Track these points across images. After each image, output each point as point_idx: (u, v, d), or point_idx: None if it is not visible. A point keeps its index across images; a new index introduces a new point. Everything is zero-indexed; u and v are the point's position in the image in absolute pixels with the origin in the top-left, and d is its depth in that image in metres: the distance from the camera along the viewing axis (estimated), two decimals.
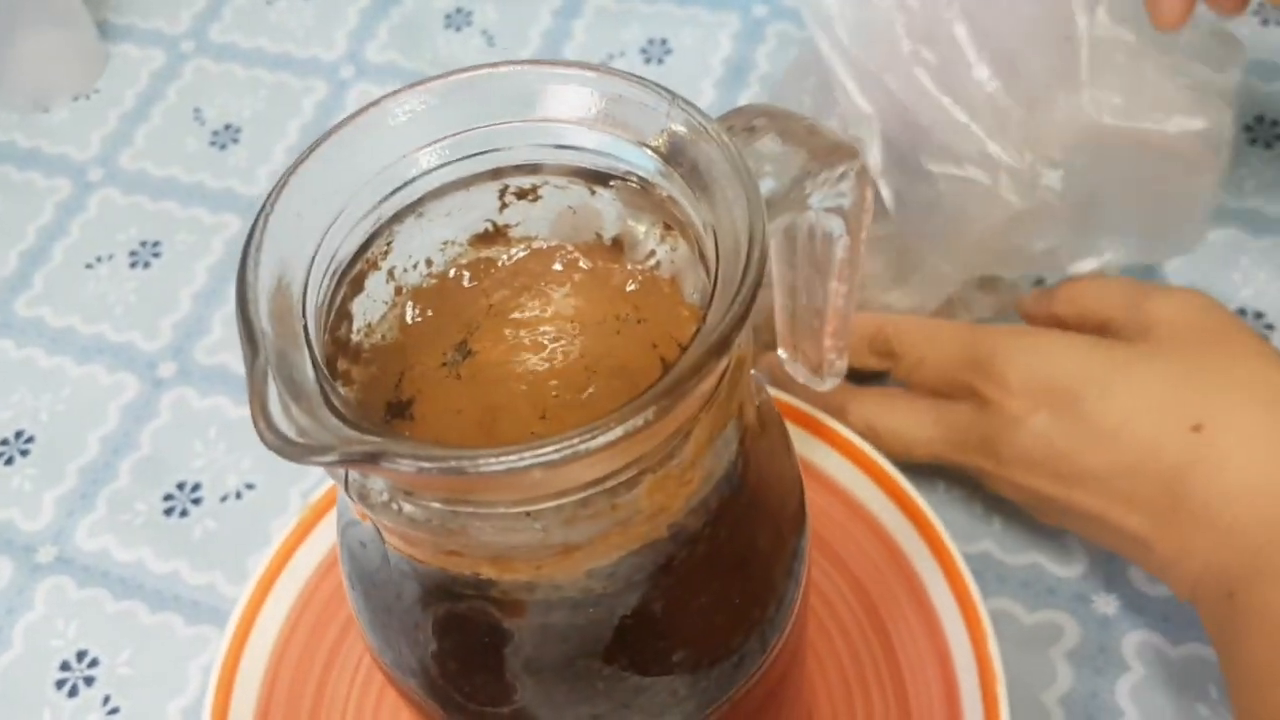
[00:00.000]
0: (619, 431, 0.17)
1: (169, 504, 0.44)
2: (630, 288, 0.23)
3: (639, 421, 0.17)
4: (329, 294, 0.21)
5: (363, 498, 0.19)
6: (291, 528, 0.38)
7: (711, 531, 0.21)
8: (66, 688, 0.41)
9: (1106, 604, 0.39)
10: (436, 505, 0.18)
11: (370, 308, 0.22)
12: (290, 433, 0.17)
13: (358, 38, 0.57)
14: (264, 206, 0.19)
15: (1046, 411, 0.35)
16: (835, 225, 0.25)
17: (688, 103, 0.20)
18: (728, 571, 0.22)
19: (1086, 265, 0.39)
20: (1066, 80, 0.37)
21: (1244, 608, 0.32)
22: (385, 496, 0.19)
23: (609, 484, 0.18)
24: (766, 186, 0.22)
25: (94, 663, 0.41)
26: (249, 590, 0.37)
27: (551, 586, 0.20)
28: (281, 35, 0.58)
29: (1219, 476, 0.32)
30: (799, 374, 0.31)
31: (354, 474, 0.19)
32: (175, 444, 0.46)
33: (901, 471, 0.37)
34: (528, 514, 0.18)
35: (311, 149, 0.20)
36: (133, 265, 0.51)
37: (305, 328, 0.19)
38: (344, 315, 0.21)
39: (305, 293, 0.19)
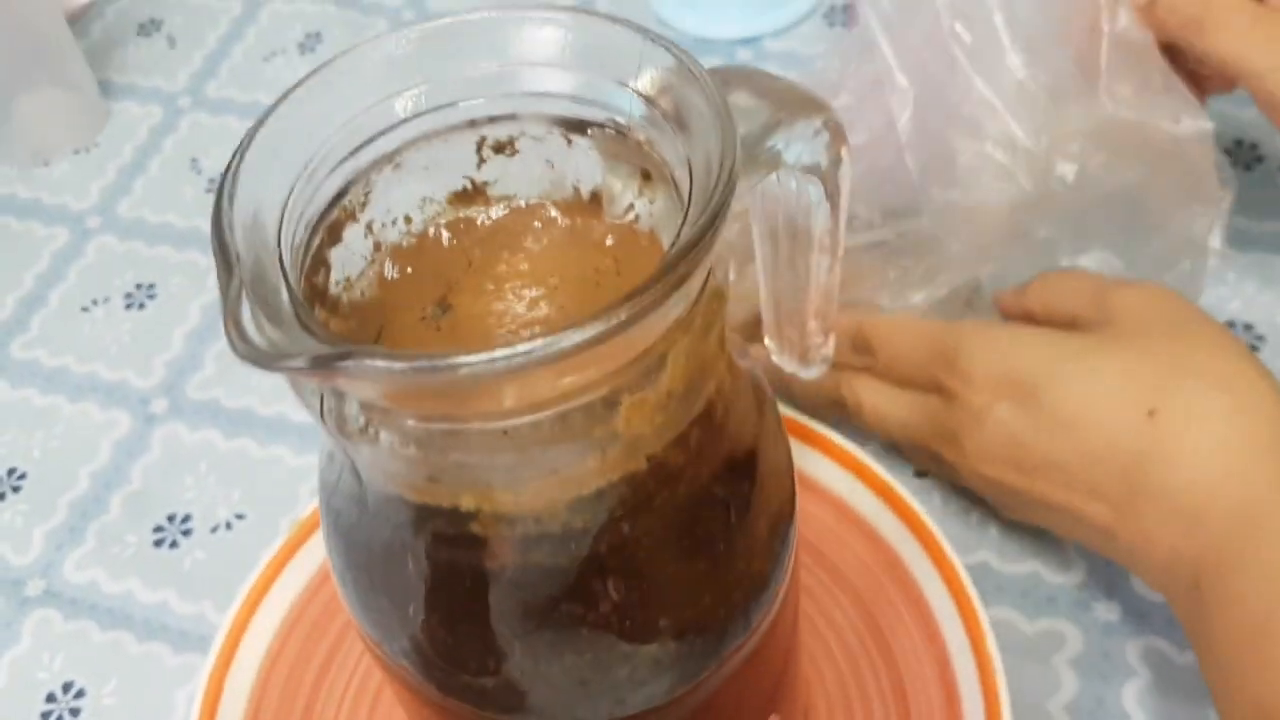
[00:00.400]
0: (595, 329, 0.17)
1: (159, 535, 0.44)
2: (609, 242, 0.23)
3: (614, 320, 0.17)
4: (306, 236, 0.21)
5: (340, 427, 0.19)
6: (277, 548, 0.38)
7: (692, 473, 0.21)
8: (52, 719, 0.40)
9: (1109, 611, 0.38)
10: (412, 424, 0.18)
11: (349, 261, 0.22)
12: (262, 345, 0.17)
13: None
14: (242, 142, 0.20)
15: (1006, 403, 0.35)
16: (814, 189, 0.25)
17: (662, 38, 0.20)
18: (709, 521, 0.22)
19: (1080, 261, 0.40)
20: (1088, 70, 0.38)
21: (1210, 599, 0.31)
22: (361, 421, 0.19)
23: (585, 399, 0.18)
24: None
25: (80, 694, 0.40)
26: (233, 611, 0.37)
27: (533, 520, 0.20)
28: (277, 89, 0.59)
29: (1175, 462, 0.32)
30: (786, 363, 0.31)
31: (330, 400, 0.19)
32: (166, 478, 0.45)
33: (899, 482, 0.37)
34: (504, 432, 0.18)
35: (289, 91, 0.20)
36: (128, 307, 0.51)
37: (280, 259, 0.19)
38: (321, 262, 0.21)
39: (281, 227, 0.20)
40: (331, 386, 0.18)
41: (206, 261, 0.53)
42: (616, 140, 0.22)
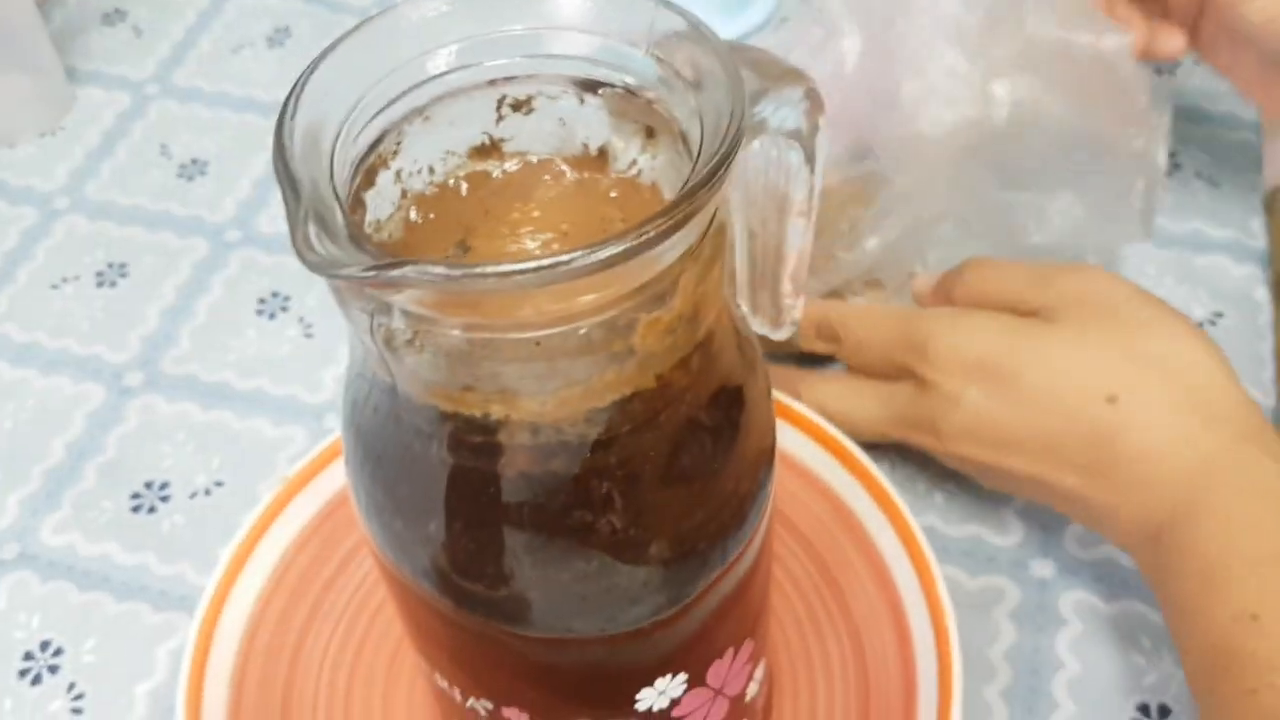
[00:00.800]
0: (625, 244, 0.19)
1: (136, 502, 0.45)
2: (614, 194, 0.26)
3: (643, 236, 0.19)
4: (349, 176, 0.23)
5: (387, 341, 0.21)
6: (268, 502, 0.39)
7: (692, 396, 0.24)
8: (30, 676, 0.40)
9: (1043, 568, 0.41)
10: (456, 334, 0.20)
11: (379, 204, 0.24)
12: (328, 256, 0.19)
13: None
14: (295, 85, 0.22)
15: (978, 387, 0.38)
16: (794, 155, 0.28)
17: (673, 4, 0.23)
18: (704, 442, 0.24)
19: (1043, 232, 0.43)
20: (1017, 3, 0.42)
21: (1168, 548, 0.34)
22: (408, 334, 0.21)
23: (608, 314, 0.21)
24: None
25: (58, 651, 0.41)
26: (225, 560, 0.38)
27: (553, 429, 0.22)
28: (245, 81, 0.61)
29: (1132, 439, 0.36)
30: (758, 325, 0.33)
31: (380, 318, 0.21)
32: (142, 447, 0.46)
33: (854, 447, 0.40)
34: (536, 343, 0.21)
35: (336, 43, 0.22)
36: (99, 285, 0.52)
37: (334, 189, 0.21)
38: (359, 202, 0.24)
39: (332, 163, 0.22)
40: (384, 298, 0.20)
41: (179, 243, 0.54)
42: (625, 99, 0.24)
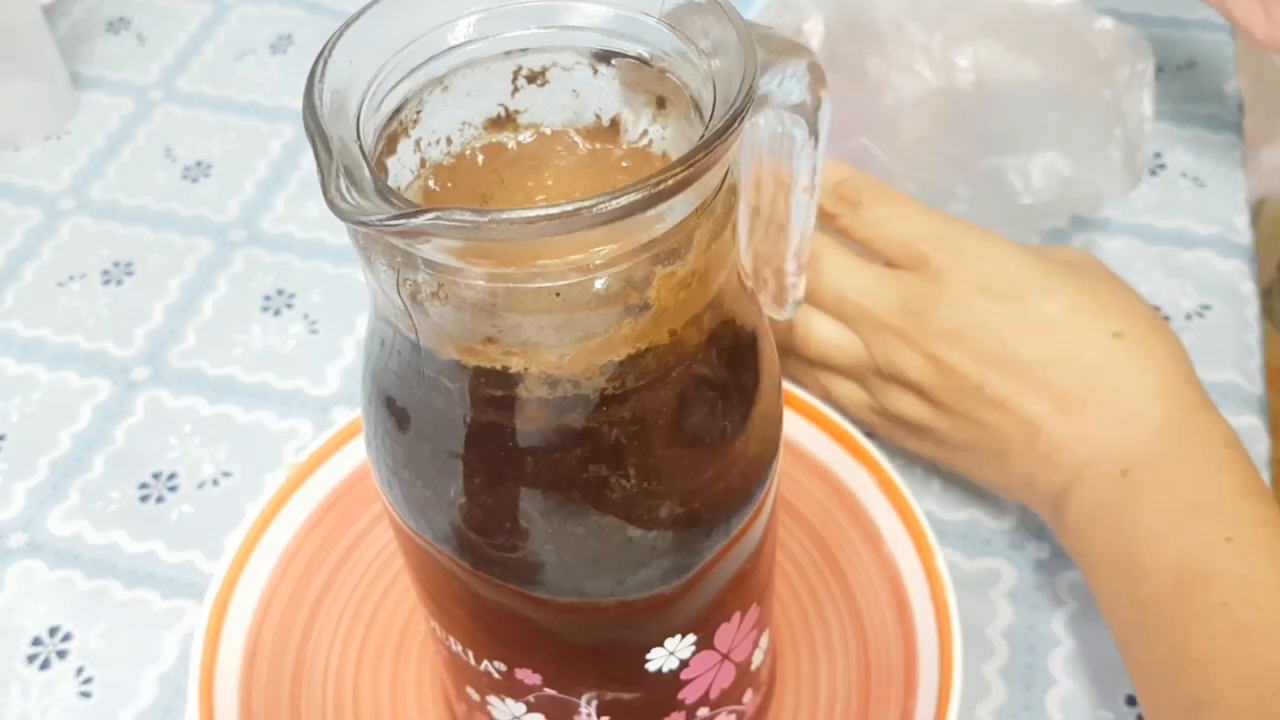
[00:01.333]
0: (643, 192, 0.20)
1: (144, 492, 0.45)
2: (625, 164, 0.26)
3: (660, 185, 0.20)
4: (373, 142, 0.24)
5: (413, 295, 0.22)
6: (278, 488, 0.40)
7: (704, 354, 0.24)
8: (38, 662, 0.41)
9: (1040, 550, 0.42)
10: (479, 284, 0.21)
11: (400, 173, 0.25)
12: (358, 206, 0.20)
13: None
14: (323, 51, 0.23)
15: (991, 297, 0.39)
16: (798, 129, 0.29)
17: None
18: (715, 400, 0.25)
19: (1031, 189, 0.44)
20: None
21: (1142, 483, 0.36)
22: (434, 287, 0.22)
23: (625, 266, 0.21)
24: None
25: (66, 637, 0.41)
26: (238, 540, 0.39)
27: (570, 382, 0.23)
28: (249, 87, 0.62)
29: (1128, 376, 0.37)
30: (761, 303, 0.34)
31: (406, 273, 0.22)
32: (150, 439, 0.47)
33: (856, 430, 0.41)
34: (556, 293, 0.21)
35: (359, 13, 0.23)
36: (105, 283, 0.53)
37: (361, 148, 0.22)
38: (382, 167, 0.24)
39: (358, 125, 0.22)
40: (411, 248, 0.21)
41: (184, 242, 0.54)
42: (638, 69, 0.25)
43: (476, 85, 0.26)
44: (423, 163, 0.26)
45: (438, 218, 0.19)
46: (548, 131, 0.27)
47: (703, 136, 0.21)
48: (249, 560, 0.39)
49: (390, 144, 0.25)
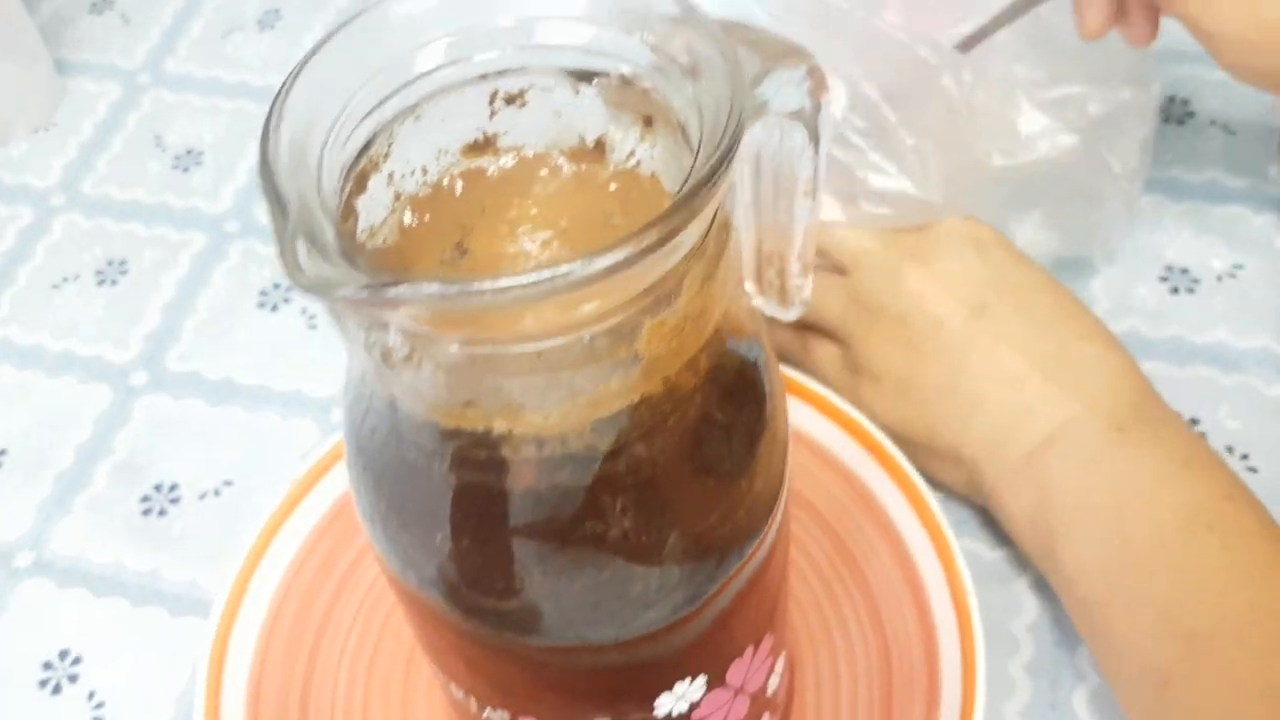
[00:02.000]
0: (625, 252, 0.18)
1: (146, 505, 0.44)
2: (613, 186, 0.25)
3: (644, 243, 0.18)
4: (339, 184, 0.22)
5: (384, 358, 0.20)
6: (278, 505, 0.39)
7: (702, 396, 0.23)
8: (49, 687, 0.40)
9: None
10: (454, 349, 0.20)
11: (373, 210, 0.24)
12: (318, 277, 0.18)
13: None
14: (279, 92, 0.21)
15: (979, 249, 0.40)
16: (798, 135, 0.27)
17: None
18: (716, 441, 0.24)
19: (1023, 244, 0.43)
20: (960, 138, 0.41)
21: (1132, 439, 0.36)
22: (405, 351, 0.20)
23: (612, 322, 0.20)
24: None
25: (77, 660, 0.41)
26: (241, 559, 0.38)
27: (558, 440, 0.21)
28: (238, 66, 0.60)
29: (1113, 351, 0.38)
30: (766, 305, 0.33)
31: (375, 335, 0.20)
32: (151, 448, 0.46)
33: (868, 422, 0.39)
34: (538, 354, 0.20)
35: (320, 45, 0.21)
36: (100, 284, 0.52)
37: (322, 202, 0.20)
38: (351, 209, 0.23)
39: (320, 172, 0.21)
40: (380, 316, 0.20)
41: (178, 236, 0.53)
42: (621, 88, 0.23)
43: (451, 111, 0.24)
44: (397, 196, 0.24)
45: (407, 290, 0.18)
46: (530, 154, 0.25)
47: (687, 181, 0.19)
48: (251, 580, 0.38)
49: (360, 182, 0.23)
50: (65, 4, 0.64)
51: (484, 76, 0.24)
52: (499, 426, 0.21)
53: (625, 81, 0.23)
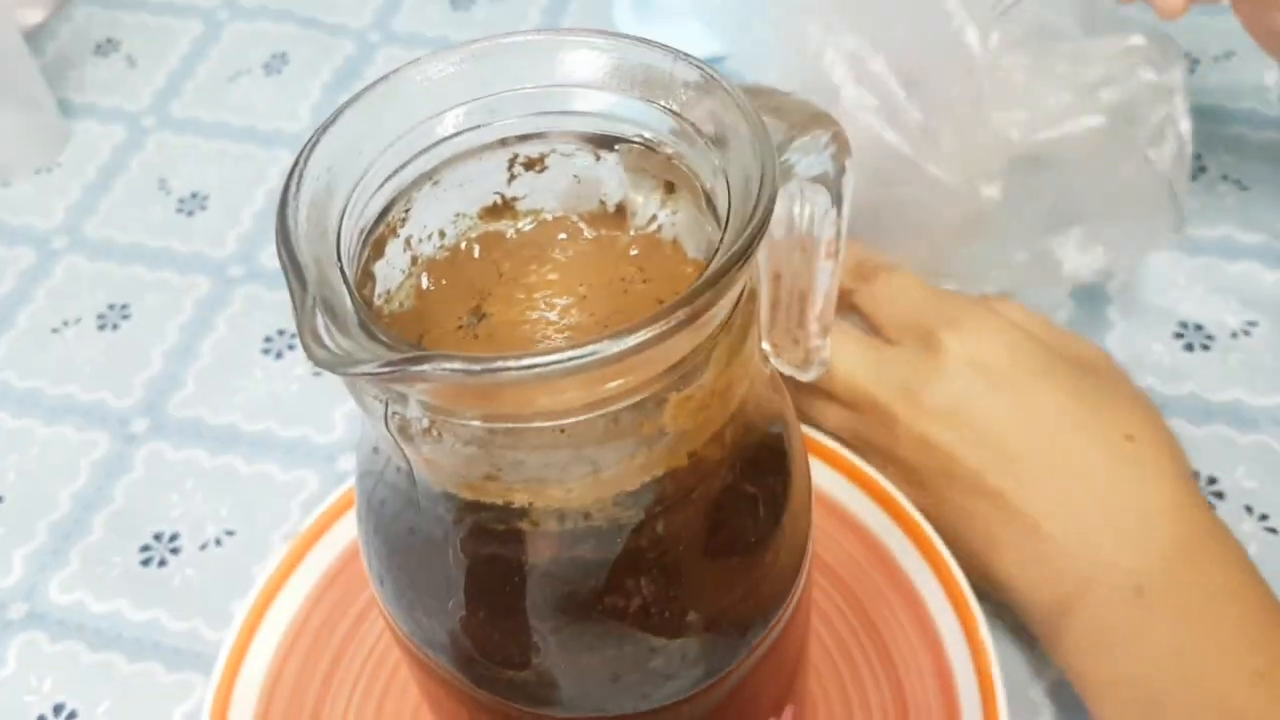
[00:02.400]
0: (654, 331, 0.18)
1: (146, 554, 0.44)
2: (633, 252, 0.24)
3: (672, 321, 0.18)
4: (357, 251, 0.22)
5: (402, 430, 0.20)
6: (283, 557, 0.38)
7: (727, 469, 0.22)
8: None
9: None
10: (475, 424, 0.19)
11: (389, 274, 0.23)
12: (337, 352, 0.18)
13: (322, 110, 0.59)
14: (297, 161, 0.20)
15: (991, 378, 0.37)
16: (820, 199, 0.26)
17: (691, 57, 0.21)
18: (741, 514, 0.23)
19: (1071, 266, 0.42)
20: (977, 107, 0.40)
21: (1152, 605, 0.33)
22: (425, 423, 0.20)
23: (637, 398, 0.19)
24: None
25: (72, 715, 0.40)
26: (243, 614, 0.37)
27: (580, 514, 0.21)
28: (244, 110, 0.59)
29: (1143, 487, 0.35)
30: (784, 366, 0.32)
31: (395, 407, 0.20)
32: (151, 497, 0.45)
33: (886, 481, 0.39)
34: (561, 430, 0.19)
35: (339, 112, 0.21)
36: (101, 328, 0.51)
37: (342, 270, 0.20)
38: (368, 275, 0.22)
39: (339, 241, 0.20)
40: (400, 390, 0.19)
41: (181, 281, 0.53)
42: (643, 154, 0.23)
43: (470, 175, 0.24)
44: (414, 260, 0.24)
45: (430, 367, 0.17)
46: (549, 218, 0.25)
47: (716, 256, 0.19)
48: (253, 637, 0.37)
49: (377, 248, 0.23)
50: (70, 44, 0.63)
51: (503, 141, 0.23)
52: (520, 500, 0.21)
53: (647, 147, 0.23)
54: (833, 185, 0.26)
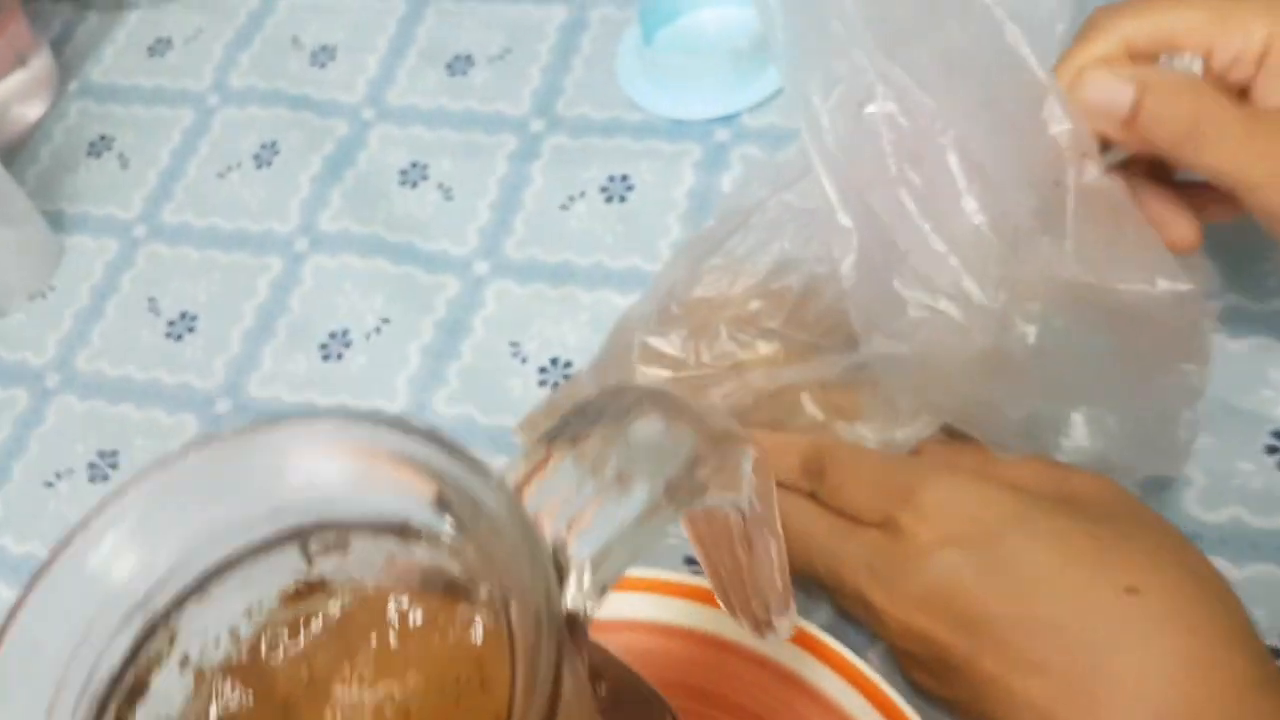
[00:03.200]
0: None
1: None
2: (470, 637, 0.19)
3: None
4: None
5: None
6: None
7: None
8: None
9: None
10: None
11: (163, 707, 0.19)
12: None
13: (310, 207, 0.55)
14: None
15: (959, 550, 0.32)
16: (738, 515, 0.21)
17: (465, 452, 0.16)
18: None
19: (1069, 446, 0.35)
20: (1052, 226, 0.34)
21: None
22: None
23: None
24: (641, 488, 0.18)
25: None
26: None
27: None
28: (235, 210, 0.56)
29: (1151, 646, 0.29)
30: (745, 631, 0.27)
31: None
32: None
33: (895, 692, 0.33)
34: None
35: (31, 585, 0.17)
36: (91, 480, 0.49)
37: None
38: None
39: None
40: None
41: (169, 420, 0.50)
42: (444, 545, 0.18)
43: (255, 574, 0.19)
44: (199, 676, 0.19)
45: None
46: (368, 594, 0.20)
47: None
48: None
49: (131, 695, 0.18)
50: (64, 147, 0.61)
51: (295, 535, 0.19)
52: None
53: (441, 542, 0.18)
54: (746, 504, 0.21)
